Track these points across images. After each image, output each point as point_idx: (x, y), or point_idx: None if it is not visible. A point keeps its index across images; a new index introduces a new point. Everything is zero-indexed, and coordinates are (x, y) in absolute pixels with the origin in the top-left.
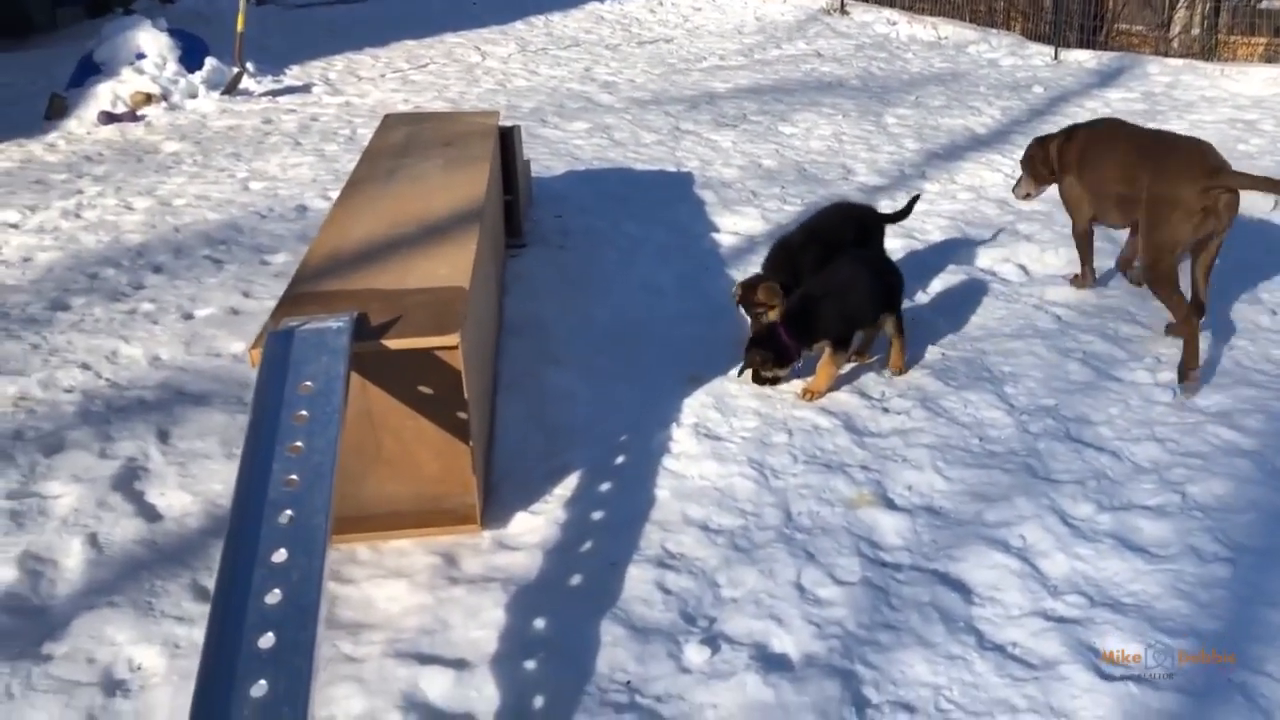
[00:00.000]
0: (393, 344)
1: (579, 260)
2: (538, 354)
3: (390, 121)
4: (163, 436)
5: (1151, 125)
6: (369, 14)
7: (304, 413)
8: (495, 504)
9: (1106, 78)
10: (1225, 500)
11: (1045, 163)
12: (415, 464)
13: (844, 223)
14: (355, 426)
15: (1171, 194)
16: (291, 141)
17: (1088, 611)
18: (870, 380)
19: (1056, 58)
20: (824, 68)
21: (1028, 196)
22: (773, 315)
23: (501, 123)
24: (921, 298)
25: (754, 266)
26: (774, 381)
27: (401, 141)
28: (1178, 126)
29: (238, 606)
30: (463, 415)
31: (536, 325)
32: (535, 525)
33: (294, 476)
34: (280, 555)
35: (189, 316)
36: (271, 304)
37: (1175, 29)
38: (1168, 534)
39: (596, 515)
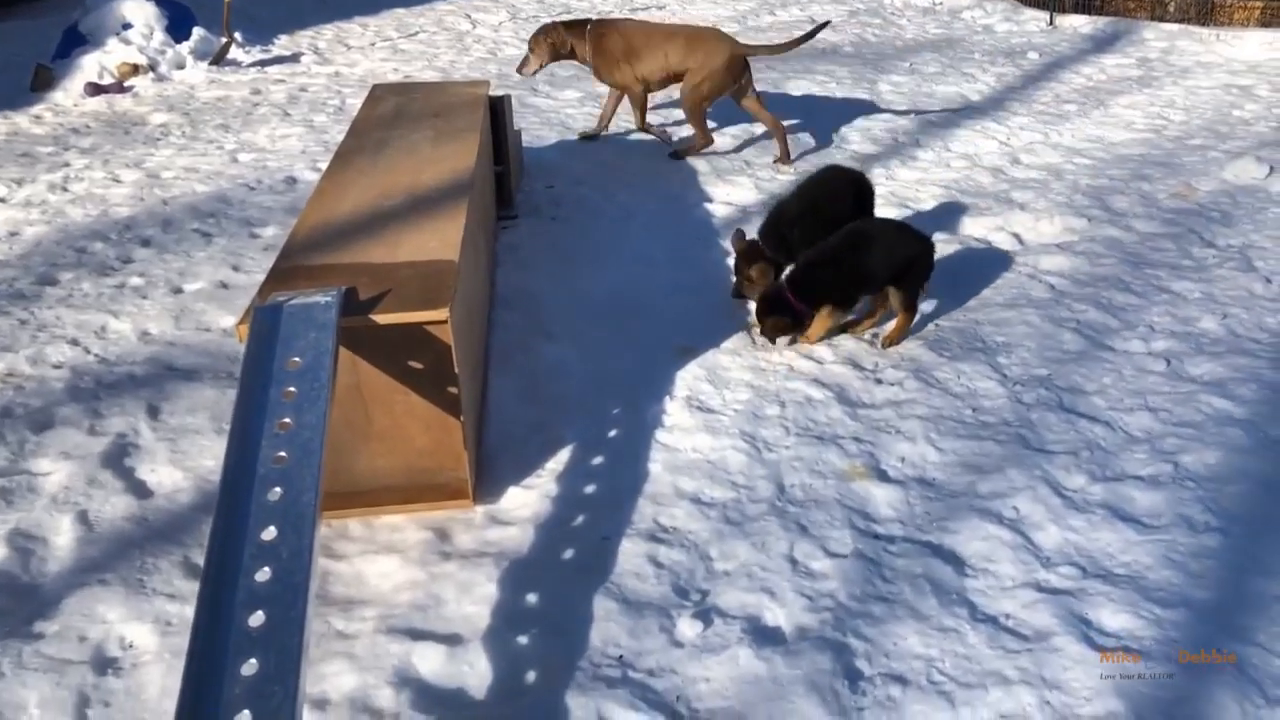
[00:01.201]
0: (381, 319)
1: (571, 231)
2: (530, 326)
3: (378, 92)
4: (152, 412)
5: (1146, 91)
6: None
7: (292, 389)
8: (487, 478)
9: (1101, 43)
10: (1217, 470)
11: (562, 46)
12: (406, 438)
13: (841, 188)
14: (346, 401)
15: (714, 64)
16: (280, 112)
17: (1080, 583)
18: (863, 351)
19: (1052, 23)
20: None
21: (534, 73)
22: (756, 289)
23: (492, 92)
24: None
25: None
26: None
27: (390, 113)
28: (1173, 93)
29: (228, 585)
30: (453, 390)
31: (529, 297)
32: (528, 499)
33: (283, 453)
34: (270, 533)
35: (178, 291)
36: (260, 278)
37: None
38: (1160, 504)
39: (589, 489)
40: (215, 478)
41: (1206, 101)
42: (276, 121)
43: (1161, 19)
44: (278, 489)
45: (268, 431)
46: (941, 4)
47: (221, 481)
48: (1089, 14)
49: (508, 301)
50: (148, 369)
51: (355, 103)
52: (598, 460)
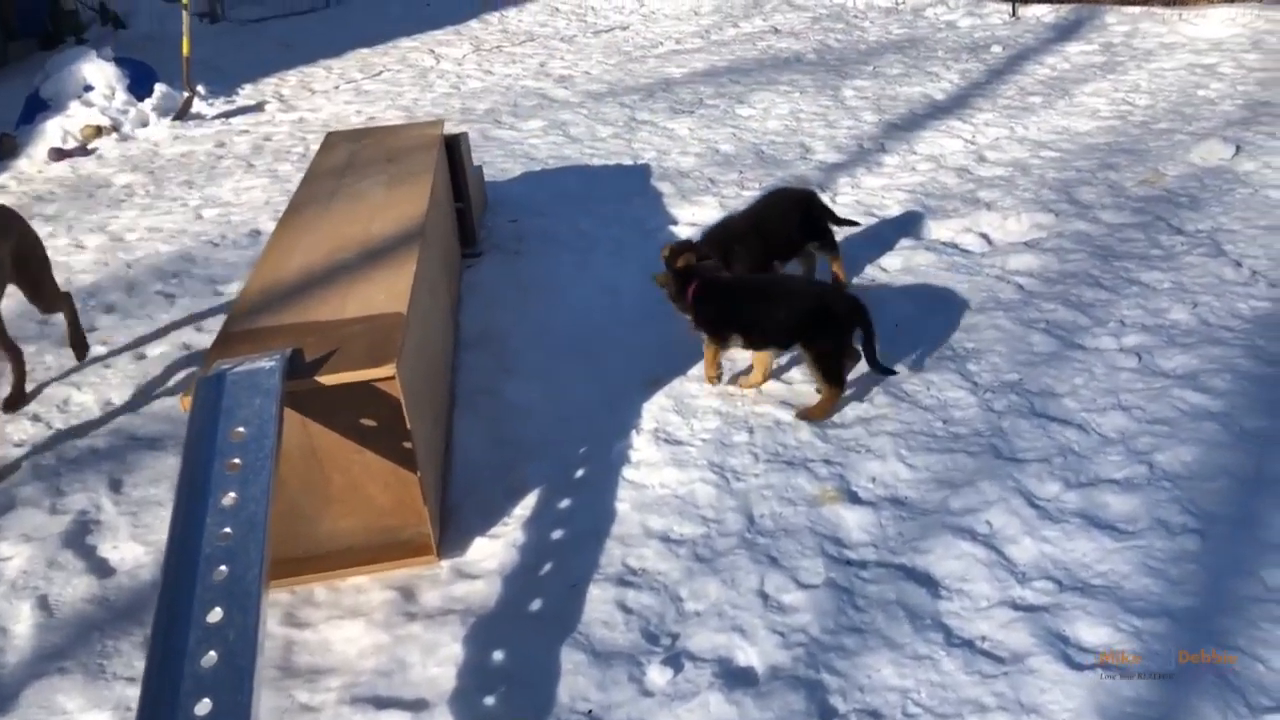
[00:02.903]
0: (327, 380)
1: (535, 265)
2: (495, 367)
3: (332, 140)
4: (115, 486)
5: (1110, 77)
6: (322, 25)
7: (237, 460)
8: (453, 529)
9: (1064, 32)
10: (1194, 468)
11: None
12: (366, 498)
13: (788, 210)
14: (302, 464)
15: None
16: (244, 164)
17: (1056, 597)
18: None
19: (1014, 14)
20: (780, 43)
21: None
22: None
23: (454, 128)
24: (882, 276)
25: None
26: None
27: (343, 161)
28: (1137, 76)
29: (173, 672)
30: (409, 445)
31: (493, 337)
32: (494, 550)
33: (228, 529)
34: (215, 614)
35: (141, 357)
36: None
37: None
38: (1136, 508)
39: (556, 534)
40: None
41: (1171, 84)
42: (240, 174)
43: (1124, 2)
44: (223, 567)
45: (212, 508)
46: (904, 3)
47: (165, 564)
48: (1051, 2)
49: (472, 342)
50: (110, 440)
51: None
52: (564, 503)
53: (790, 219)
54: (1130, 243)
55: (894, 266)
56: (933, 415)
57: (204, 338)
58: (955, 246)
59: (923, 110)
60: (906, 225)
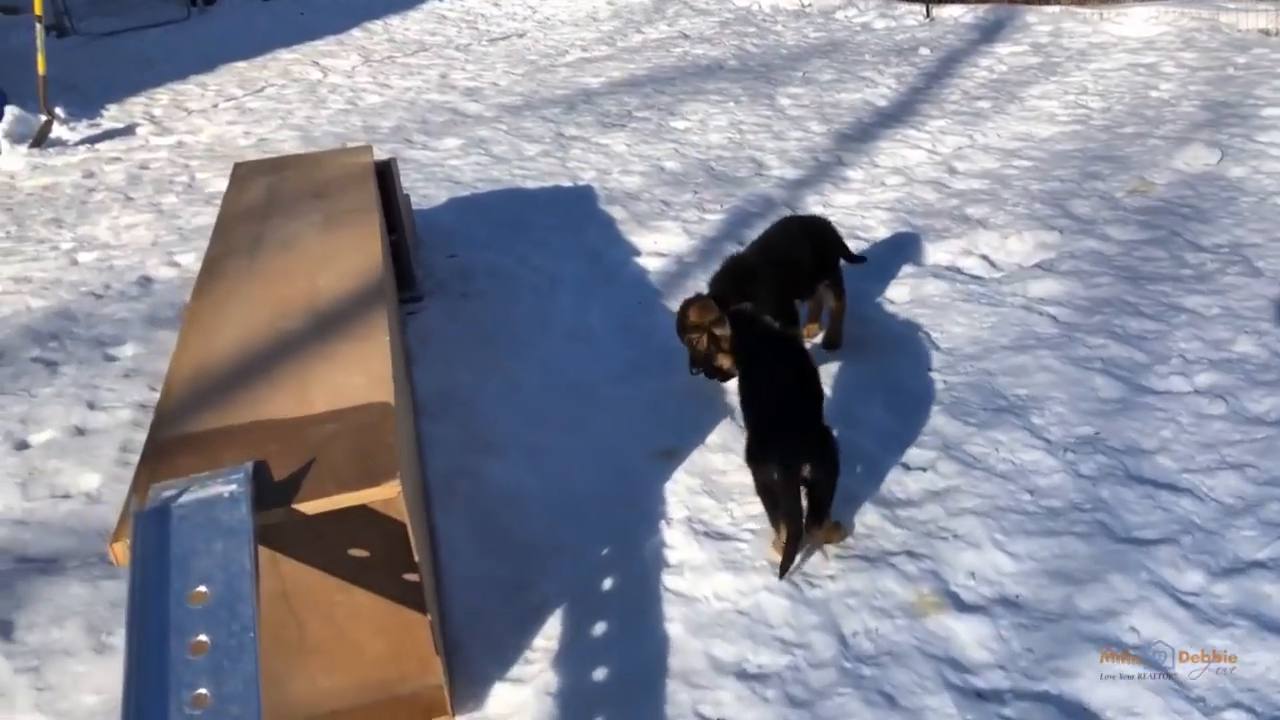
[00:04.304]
0: (309, 507)
1: (490, 310)
2: (466, 441)
3: (243, 172)
4: (4, 632)
5: (1053, 79)
6: (185, 38)
7: (203, 638)
8: (462, 674)
9: (987, 33)
10: None
11: None
12: (354, 648)
13: (800, 241)
14: (269, 611)
15: None
16: (121, 197)
17: None
18: (879, 418)
19: (929, 15)
20: (696, 50)
21: None
22: (703, 343)
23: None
24: (890, 310)
25: (693, 292)
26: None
27: (261, 197)
28: (1081, 78)
29: None
30: (412, 577)
31: (457, 402)
32: (520, 700)
33: None
34: None
35: (22, 446)
36: (125, 414)
37: None
38: None
39: (598, 673)
40: None
41: (1118, 85)
42: (118, 209)
43: (1039, 1)
44: None
45: (176, 713)
46: (811, 5)
47: None
48: (965, 3)
49: (432, 410)
50: None
51: (206, 176)
52: (599, 628)
53: (803, 251)
54: (1154, 262)
55: (902, 298)
56: (1015, 485)
57: (99, 416)
58: (959, 271)
59: (869, 118)
60: (899, 249)
